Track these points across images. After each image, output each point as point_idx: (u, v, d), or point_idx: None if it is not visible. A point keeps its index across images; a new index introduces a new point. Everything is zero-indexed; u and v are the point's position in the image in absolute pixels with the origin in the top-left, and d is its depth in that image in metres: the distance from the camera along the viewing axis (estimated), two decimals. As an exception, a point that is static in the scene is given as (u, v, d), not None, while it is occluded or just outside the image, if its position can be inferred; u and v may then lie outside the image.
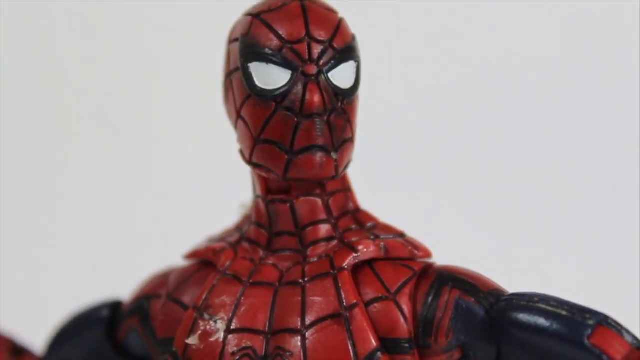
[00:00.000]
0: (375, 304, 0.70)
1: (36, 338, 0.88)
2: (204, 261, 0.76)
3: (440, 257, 0.74)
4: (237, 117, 0.72)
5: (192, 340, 0.72)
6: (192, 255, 0.76)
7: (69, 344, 0.82)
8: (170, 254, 0.83)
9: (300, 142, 0.69)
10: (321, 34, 0.70)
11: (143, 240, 1.33)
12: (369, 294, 0.71)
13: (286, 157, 0.70)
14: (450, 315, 0.70)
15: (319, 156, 0.70)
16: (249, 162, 0.72)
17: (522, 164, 1.34)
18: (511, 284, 0.72)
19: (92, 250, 1.35)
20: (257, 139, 0.70)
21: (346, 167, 0.72)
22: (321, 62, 0.70)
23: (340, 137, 0.70)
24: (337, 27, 0.71)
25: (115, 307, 0.81)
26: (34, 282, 1.37)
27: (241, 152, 0.73)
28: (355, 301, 0.70)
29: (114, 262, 1.31)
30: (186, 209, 1.34)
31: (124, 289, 0.83)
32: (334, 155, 0.70)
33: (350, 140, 0.71)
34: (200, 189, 1.35)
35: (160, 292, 0.77)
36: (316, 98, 0.69)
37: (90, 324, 0.81)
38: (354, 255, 0.71)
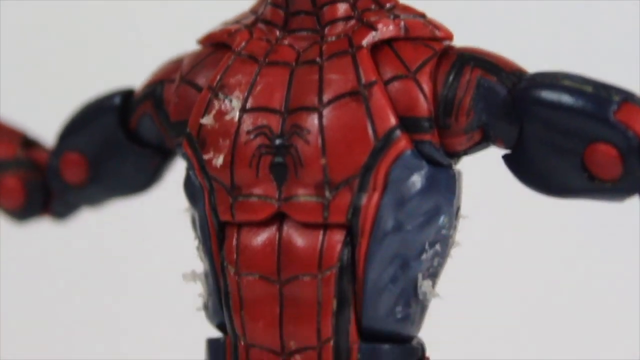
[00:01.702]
0: (395, 83, 0.68)
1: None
2: (219, 44, 0.73)
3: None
4: None
5: (207, 120, 0.70)
6: (206, 38, 0.74)
7: (80, 133, 0.81)
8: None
9: None
10: None
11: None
12: (388, 72, 0.69)
13: None
14: (472, 95, 0.68)
15: None
16: None
17: None
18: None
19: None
20: None
21: None
22: None
23: None
24: None
25: (127, 94, 0.80)
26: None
27: None
28: (374, 79, 0.68)
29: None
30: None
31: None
32: None
33: None
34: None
35: (174, 76, 0.75)
36: None
37: (102, 112, 0.80)
38: (373, 33, 0.69)
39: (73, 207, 0.84)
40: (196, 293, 0.74)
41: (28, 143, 0.84)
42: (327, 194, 0.67)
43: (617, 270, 1.34)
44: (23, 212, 0.83)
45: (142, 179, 0.80)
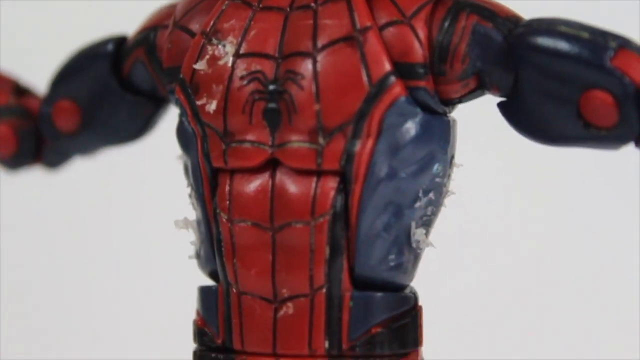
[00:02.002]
0: (390, 28, 0.68)
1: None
2: None
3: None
4: None
5: (200, 66, 0.70)
6: (201, -16, 0.73)
7: (72, 81, 0.80)
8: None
9: None
10: None
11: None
12: (383, 18, 0.68)
13: None
14: (467, 41, 0.68)
15: None
16: None
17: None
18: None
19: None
20: None
21: None
22: None
23: None
24: None
25: (120, 41, 0.79)
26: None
27: None
28: (369, 24, 0.67)
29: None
30: None
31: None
32: None
33: None
34: None
35: (167, 22, 0.74)
36: None
37: (94, 59, 0.79)
38: None
39: (65, 156, 0.84)
40: (188, 241, 0.74)
41: (20, 91, 0.84)
42: (321, 140, 0.67)
43: (614, 221, 1.34)
44: (15, 160, 0.83)
45: (135, 127, 0.80)
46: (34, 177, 0.87)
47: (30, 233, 1.42)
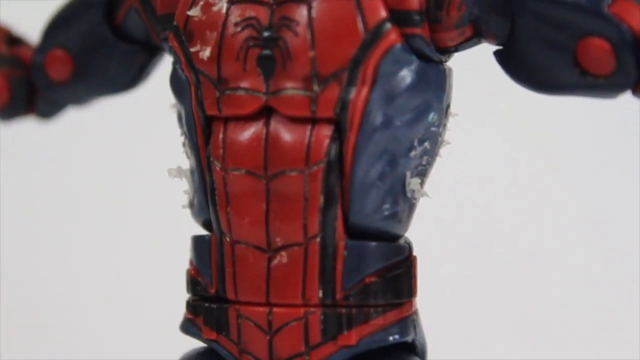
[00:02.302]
0: None
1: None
2: None
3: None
4: None
5: (194, 12, 0.69)
6: None
7: (65, 30, 0.79)
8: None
9: None
10: None
11: None
12: None
13: None
14: None
15: None
16: None
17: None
18: None
19: None
20: None
21: None
22: None
23: None
24: None
25: None
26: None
27: None
28: None
29: None
30: None
31: None
32: None
33: None
34: None
35: None
36: None
37: (87, 7, 0.78)
38: None
39: (58, 106, 0.83)
40: (182, 190, 0.73)
41: (13, 40, 0.83)
42: (316, 87, 0.66)
43: (611, 167, 1.34)
44: (8, 109, 0.82)
45: (128, 76, 0.79)
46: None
47: (26, 175, 1.42)
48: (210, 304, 0.70)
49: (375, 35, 0.66)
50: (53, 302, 1.38)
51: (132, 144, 1.39)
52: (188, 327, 0.72)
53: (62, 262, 1.40)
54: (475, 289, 1.30)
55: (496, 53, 0.68)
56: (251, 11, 0.68)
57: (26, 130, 0.89)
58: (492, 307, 1.28)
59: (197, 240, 0.71)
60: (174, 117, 0.73)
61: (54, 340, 1.37)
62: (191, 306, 0.72)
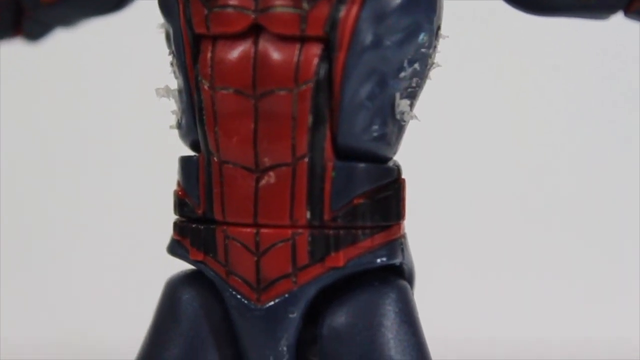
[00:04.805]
0: None
1: None
2: None
3: None
4: None
5: None
6: None
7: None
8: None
9: None
10: None
11: None
12: None
13: None
14: None
15: None
16: None
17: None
18: None
19: None
20: None
21: None
22: None
23: None
24: None
25: None
26: None
27: None
28: None
29: None
30: None
31: None
32: None
33: None
34: None
35: None
36: None
37: None
38: None
39: (46, 27, 0.82)
40: (169, 110, 0.73)
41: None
42: (305, 4, 0.65)
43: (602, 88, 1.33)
44: (-6, 30, 0.81)
45: (116, -4, 0.78)
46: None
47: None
48: (197, 225, 0.70)
49: (365, -48, 0.65)
50: (44, 218, 1.38)
51: (120, 64, 1.38)
52: (175, 248, 0.72)
53: (51, 182, 1.40)
54: (464, 214, 1.30)
55: (489, -27, 0.68)
56: None
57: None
58: (481, 233, 1.28)
59: (185, 161, 0.71)
60: (162, 37, 0.72)
61: (47, 261, 1.37)
62: (178, 227, 0.71)
